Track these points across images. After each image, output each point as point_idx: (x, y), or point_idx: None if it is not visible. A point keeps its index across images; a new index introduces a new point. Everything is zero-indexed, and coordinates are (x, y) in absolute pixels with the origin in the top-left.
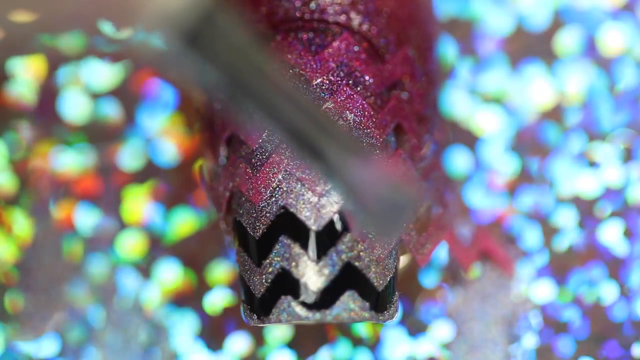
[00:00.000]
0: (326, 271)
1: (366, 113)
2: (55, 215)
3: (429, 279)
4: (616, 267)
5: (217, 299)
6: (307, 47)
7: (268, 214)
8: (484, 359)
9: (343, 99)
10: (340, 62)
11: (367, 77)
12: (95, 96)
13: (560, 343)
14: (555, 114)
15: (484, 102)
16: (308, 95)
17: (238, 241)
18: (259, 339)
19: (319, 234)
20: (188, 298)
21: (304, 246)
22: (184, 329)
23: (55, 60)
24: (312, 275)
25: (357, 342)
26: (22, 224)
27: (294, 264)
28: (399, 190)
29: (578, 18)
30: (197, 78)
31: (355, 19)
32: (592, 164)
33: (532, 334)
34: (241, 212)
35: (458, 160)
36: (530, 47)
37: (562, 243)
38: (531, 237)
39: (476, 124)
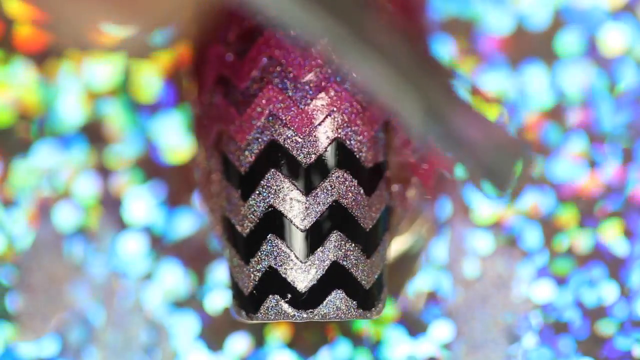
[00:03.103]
0: (313, 270)
1: (354, 110)
2: (55, 215)
3: (428, 279)
4: (616, 267)
5: (217, 299)
6: (295, 43)
7: (256, 213)
8: (484, 359)
9: (331, 95)
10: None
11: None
12: (95, 96)
13: (560, 343)
14: (555, 114)
15: (483, 102)
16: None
17: (227, 239)
18: (259, 339)
19: (306, 233)
20: (188, 298)
21: (292, 245)
22: (184, 329)
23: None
24: (300, 274)
25: (357, 342)
26: (22, 224)
27: (281, 262)
28: (512, 141)
29: (578, 18)
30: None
31: None
32: (593, 164)
33: (532, 334)
34: (230, 208)
35: None
36: (530, 47)
37: (562, 243)
38: (531, 237)
39: None
